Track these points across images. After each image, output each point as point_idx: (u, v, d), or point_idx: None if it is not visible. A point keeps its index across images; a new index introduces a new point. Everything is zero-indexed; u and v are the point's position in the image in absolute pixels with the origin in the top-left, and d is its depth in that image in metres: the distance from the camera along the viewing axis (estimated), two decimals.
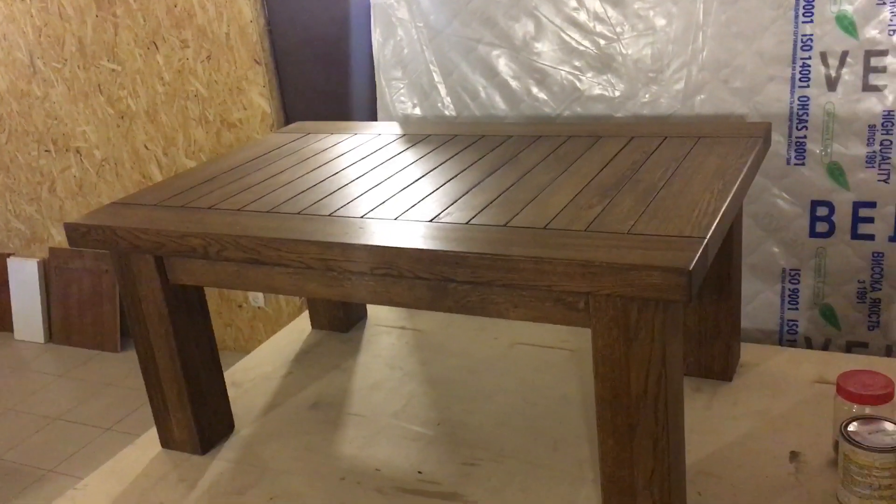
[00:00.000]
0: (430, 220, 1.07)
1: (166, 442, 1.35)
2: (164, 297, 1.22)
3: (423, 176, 1.25)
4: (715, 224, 0.96)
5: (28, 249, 3.34)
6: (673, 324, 0.95)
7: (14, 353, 3.28)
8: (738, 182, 1.08)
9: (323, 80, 2.46)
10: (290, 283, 1.14)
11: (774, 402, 1.30)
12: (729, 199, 1.03)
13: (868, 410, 1.11)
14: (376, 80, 1.96)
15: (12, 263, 3.32)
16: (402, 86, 1.92)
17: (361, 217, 1.11)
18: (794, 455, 1.18)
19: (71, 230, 1.21)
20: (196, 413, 1.30)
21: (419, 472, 1.23)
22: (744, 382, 1.36)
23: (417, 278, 1.02)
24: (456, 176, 1.23)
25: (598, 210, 1.04)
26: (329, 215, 1.13)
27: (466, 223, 1.05)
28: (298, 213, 1.14)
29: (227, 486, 1.24)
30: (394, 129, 1.56)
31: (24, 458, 2.49)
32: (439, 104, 1.88)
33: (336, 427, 1.36)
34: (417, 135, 1.49)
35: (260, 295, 2.86)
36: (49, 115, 3.02)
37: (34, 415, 2.76)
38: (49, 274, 3.27)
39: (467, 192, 1.15)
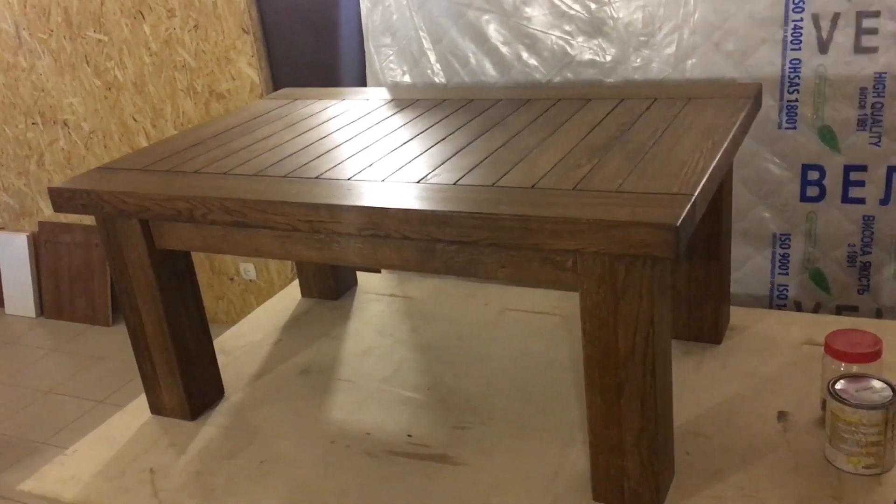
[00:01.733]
0: (418, 182, 1.06)
1: (156, 408, 1.34)
2: (150, 262, 1.22)
3: (410, 139, 1.24)
4: (703, 182, 0.96)
5: (17, 224, 3.33)
6: (661, 283, 0.95)
7: (5, 328, 3.27)
8: (727, 141, 1.07)
9: (312, 48, 2.44)
10: (278, 246, 1.13)
11: (763, 363, 1.30)
12: (717, 157, 1.02)
13: (856, 369, 1.11)
14: (365, 47, 1.94)
15: (1, 238, 3.30)
16: (391, 53, 1.90)
17: (348, 179, 1.10)
18: (782, 415, 1.19)
19: (56, 195, 1.20)
20: (185, 379, 1.30)
21: (409, 436, 1.23)
22: (733, 345, 1.37)
23: (405, 238, 1.01)
24: (444, 139, 1.22)
25: (586, 169, 1.03)
26: (316, 178, 1.12)
27: (454, 184, 1.04)
28: (285, 177, 1.13)
29: (217, 451, 1.24)
30: (382, 94, 1.55)
31: (16, 431, 2.49)
32: (429, 71, 1.86)
33: (326, 393, 1.36)
34: (405, 100, 1.48)
35: (251, 267, 2.85)
36: (36, 87, 2.99)
37: (26, 388, 2.76)
38: (39, 248, 3.26)
39: (455, 154, 1.15)
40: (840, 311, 1.66)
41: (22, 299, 3.29)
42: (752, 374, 1.28)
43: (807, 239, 1.65)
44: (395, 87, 1.86)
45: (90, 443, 1.30)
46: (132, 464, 1.23)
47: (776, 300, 1.71)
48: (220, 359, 1.48)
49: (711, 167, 0.99)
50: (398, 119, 1.35)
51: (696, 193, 0.93)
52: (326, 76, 2.42)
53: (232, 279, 2.93)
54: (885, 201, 1.57)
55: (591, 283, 0.95)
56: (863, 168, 1.57)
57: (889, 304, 1.62)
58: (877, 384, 1.06)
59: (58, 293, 3.23)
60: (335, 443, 1.24)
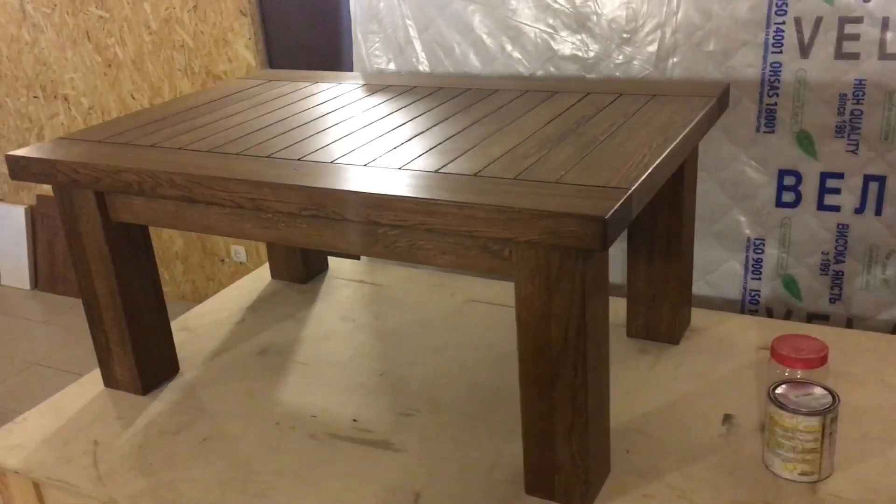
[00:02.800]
0: (364, 165, 1.06)
1: (109, 381, 1.35)
2: (104, 234, 1.22)
3: (369, 124, 1.23)
4: (643, 177, 0.95)
5: (16, 196, 3.35)
6: (595, 276, 0.94)
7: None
8: (679, 138, 1.06)
9: (309, 33, 2.45)
10: (226, 223, 1.13)
11: (716, 365, 1.29)
12: (665, 154, 1.01)
13: (800, 374, 1.10)
14: (352, 33, 1.93)
15: None
16: (377, 40, 1.89)
17: (298, 160, 1.10)
18: (727, 418, 1.18)
19: (12, 162, 1.21)
20: (137, 353, 1.30)
21: (354, 420, 1.23)
22: (690, 346, 1.35)
23: (345, 220, 1.01)
24: (402, 125, 1.22)
25: (532, 160, 1.03)
26: (268, 157, 1.12)
27: (399, 168, 1.04)
28: (237, 154, 1.13)
29: (162, 426, 1.25)
30: (356, 79, 1.55)
31: None
32: (414, 59, 1.85)
33: (280, 374, 1.36)
34: (376, 85, 1.47)
35: (242, 250, 2.86)
36: (38, 61, 3.01)
37: (12, 359, 2.79)
38: (36, 221, 3.28)
39: (408, 140, 1.14)
40: (811, 318, 1.64)
41: (17, 271, 3.32)
42: (704, 375, 1.27)
43: (781, 245, 1.64)
44: (369, 74, 1.86)
45: (40, 412, 1.31)
46: (77, 435, 1.24)
47: (748, 305, 1.70)
48: (181, 336, 1.49)
49: (655, 163, 0.98)
50: (364, 104, 1.35)
51: (632, 188, 0.92)
52: (322, 61, 2.42)
53: (223, 261, 2.94)
54: (860, 210, 1.55)
55: (525, 274, 0.95)
56: (839, 176, 1.55)
57: (860, 314, 1.60)
58: (818, 391, 1.05)
59: (53, 266, 3.25)
60: (280, 424, 1.24)
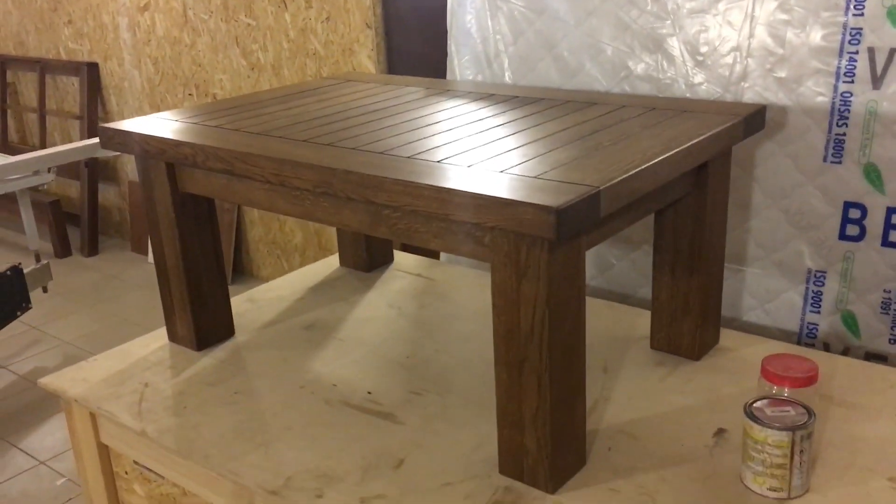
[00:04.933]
0: (381, 153, 1.16)
1: (171, 336, 1.51)
2: (172, 202, 1.38)
3: (408, 121, 1.33)
4: (619, 179, 0.99)
5: None
6: (563, 267, 0.99)
7: (146, 274, 3.64)
8: (678, 149, 1.10)
9: (425, 46, 2.58)
10: (265, 198, 1.26)
11: (727, 384, 1.29)
12: (653, 161, 1.05)
13: (787, 392, 1.09)
14: (448, 45, 2.04)
15: None
16: (467, 53, 2.00)
17: (328, 145, 1.21)
18: (720, 431, 1.18)
19: (102, 133, 1.39)
20: (195, 314, 1.46)
21: (369, 393, 1.33)
22: (709, 364, 1.36)
23: (349, 199, 1.11)
24: (433, 124, 1.31)
25: (527, 158, 1.09)
26: (304, 140, 1.24)
27: (407, 157, 1.13)
28: (279, 137, 1.26)
29: (203, 378, 1.39)
30: (425, 84, 1.65)
31: None
32: (500, 72, 1.94)
33: (318, 347, 1.48)
34: (443, 90, 1.57)
35: None
36: (194, 62, 3.32)
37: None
38: None
39: (429, 136, 1.23)
40: (868, 357, 1.59)
41: None
42: (712, 391, 1.28)
43: (842, 279, 1.60)
44: (443, 81, 1.95)
45: (110, 355, 1.49)
46: (133, 376, 1.40)
47: (805, 338, 1.66)
48: (245, 305, 1.64)
49: (638, 169, 1.02)
50: (418, 105, 1.45)
51: (601, 186, 0.97)
52: (435, 72, 2.54)
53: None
54: None
55: (499, 259, 1.01)
56: None
57: None
58: (795, 410, 1.04)
59: None
60: (303, 388, 1.35)
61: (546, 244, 0.96)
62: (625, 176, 1.00)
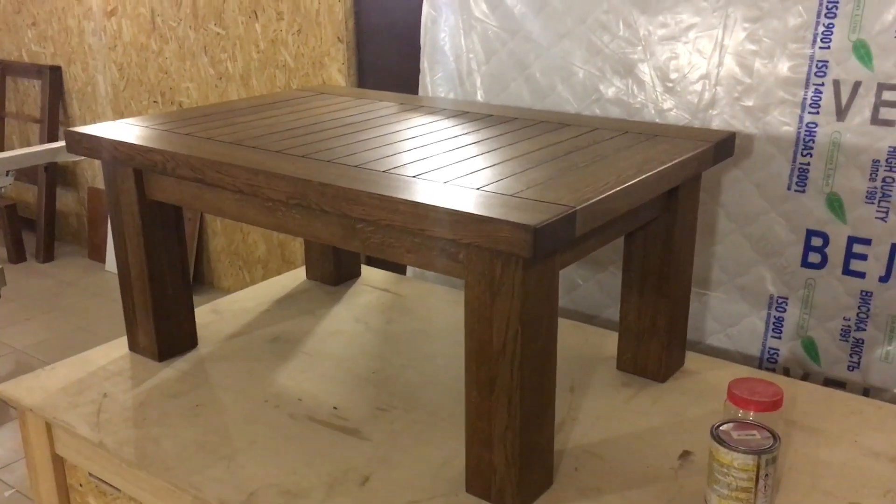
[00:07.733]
0: (356, 166, 1.15)
1: (132, 345, 1.48)
2: (139, 209, 1.36)
3: (383, 135, 1.33)
4: (594, 200, 1.00)
5: None
6: (538, 285, 0.99)
7: (103, 282, 3.57)
8: (650, 172, 1.11)
9: (397, 61, 2.58)
10: (236, 208, 1.24)
11: (693, 406, 1.30)
12: (626, 184, 1.06)
13: (752, 416, 1.10)
14: (421, 62, 2.05)
15: None
16: (440, 70, 2.00)
17: (301, 156, 1.20)
18: (685, 454, 1.19)
19: (69, 136, 1.37)
20: (158, 323, 1.43)
21: (334, 408, 1.31)
22: (675, 386, 1.37)
23: (323, 212, 1.10)
24: (408, 139, 1.30)
25: (504, 176, 1.09)
26: (277, 151, 1.23)
27: (383, 171, 1.12)
28: (253, 147, 1.25)
29: (165, 389, 1.36)
30: (397, 99, 1.65)
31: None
32: (472, 91, 1.95)
33: (284, 360, 1.46)
34: (413, 106, 1.57)
35: None
36: (161, 69, 3.28)
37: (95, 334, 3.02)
38: None
39: (404, 151, 1.23)
40: (827, 383, 1.61)
41: None
42: (678, 414, 1.29)
43: (803, 305, 1.62)
44: (414, 97, 1.96)
45: (70, 363, 1.45)
46: (92, 386, 1.37)
47: (766, 363, 1.68)
48: (209, 317, 1.62)
49: (613, 190, 1.03)
50: (392, 120, 1.44)
51: (578, 207, 0.97)
52: (406, 88, 2.55)
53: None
54: (885, 279, 1.53)
55: (473, 276, 1.01)
56: (867, 242, 1.54)
57: (878, 384, 1.57)
58: (760, 433, 1.05)
59: None
60: (268, 402, 1.33)
61: (521, 262, 0.96)
62: (600, 197, 1.01)
